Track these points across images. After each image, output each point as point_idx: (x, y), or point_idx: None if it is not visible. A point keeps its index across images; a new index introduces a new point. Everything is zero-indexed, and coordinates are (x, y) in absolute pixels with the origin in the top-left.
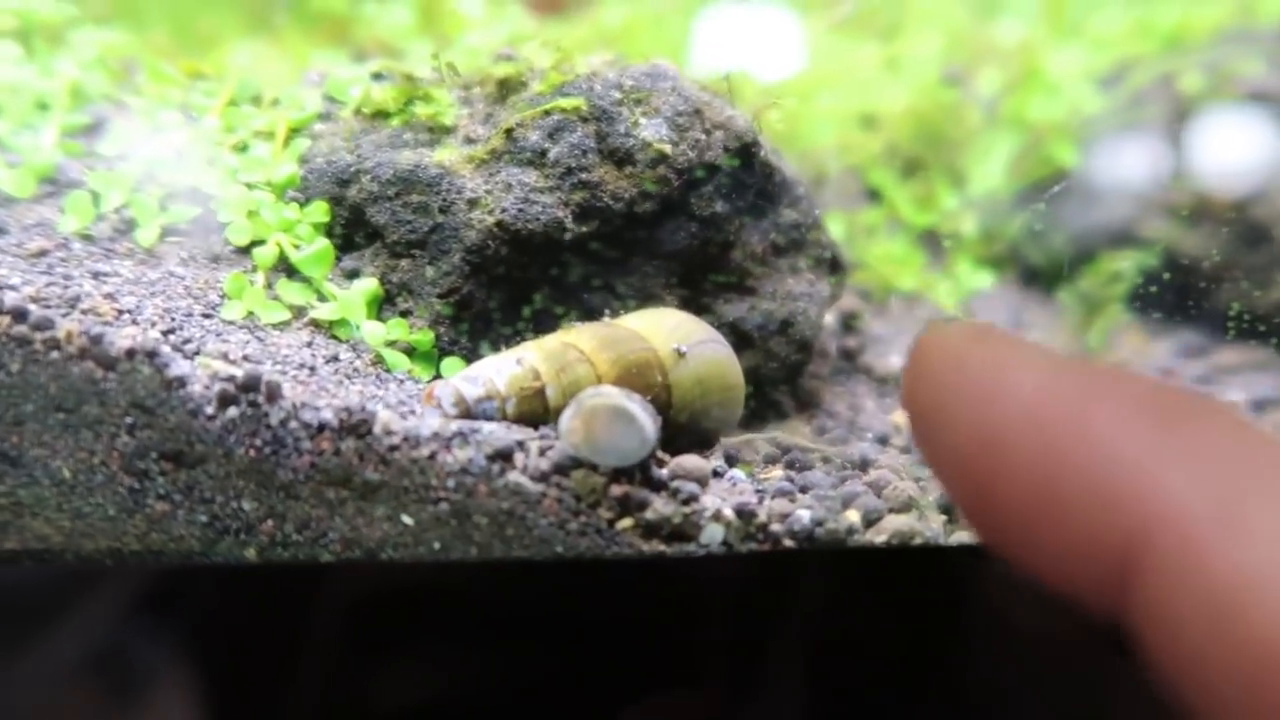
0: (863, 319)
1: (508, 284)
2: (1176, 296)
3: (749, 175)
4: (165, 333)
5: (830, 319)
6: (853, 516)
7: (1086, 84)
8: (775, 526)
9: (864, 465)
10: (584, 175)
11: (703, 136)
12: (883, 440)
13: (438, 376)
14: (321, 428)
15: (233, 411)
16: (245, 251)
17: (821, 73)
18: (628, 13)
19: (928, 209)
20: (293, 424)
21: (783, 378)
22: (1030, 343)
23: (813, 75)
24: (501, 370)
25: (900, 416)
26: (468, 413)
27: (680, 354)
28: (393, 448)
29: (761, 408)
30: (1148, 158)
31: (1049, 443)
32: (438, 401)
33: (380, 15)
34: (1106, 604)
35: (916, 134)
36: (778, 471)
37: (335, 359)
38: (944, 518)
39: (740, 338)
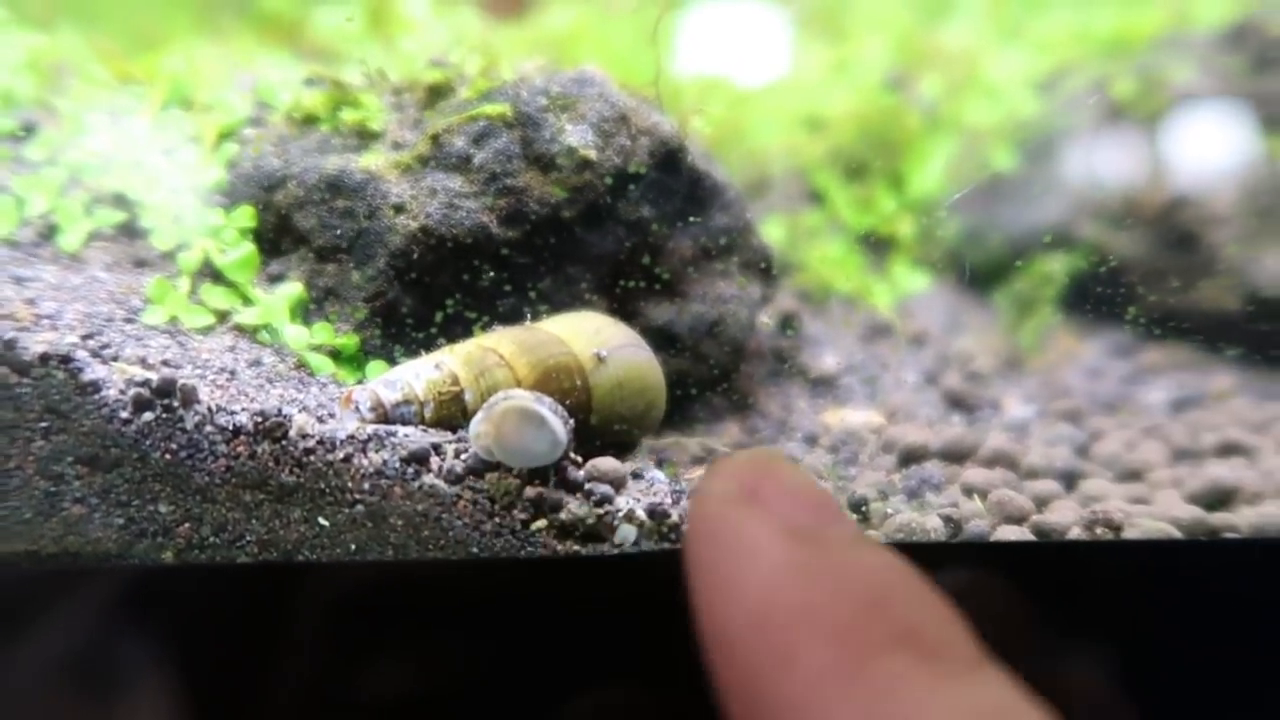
0: (800, 320)
1: (433, 288)
2: (1106, 298)
3: (676, 180)
4: (84, 338)
5: (767, 321)
6: None
7: (1025, 88)
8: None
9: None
10: (509, 181)
11: (628, 142)
12: (811, 440)
13: (362, 380)
14: (237, 431)
15: (148, 416)
16: (169, 256)
17: (770, 76)
18: (573, 17)
19: (867, 211)
20: (208, 428)
21: (715, 380)
22: (771, 521)
23: (761, 79)
24: (420, 375)
25: (832, 417)
26: (385, 417)
27: (600, 359)
28: (308, 451)
29: (694, 409)
30: (1081, 161)
31: (753, 672)
32: (355, 406)
33: (327, 18)
34: None
35: (860, 137)
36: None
37: (258, 363)
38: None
39: (670, 341)
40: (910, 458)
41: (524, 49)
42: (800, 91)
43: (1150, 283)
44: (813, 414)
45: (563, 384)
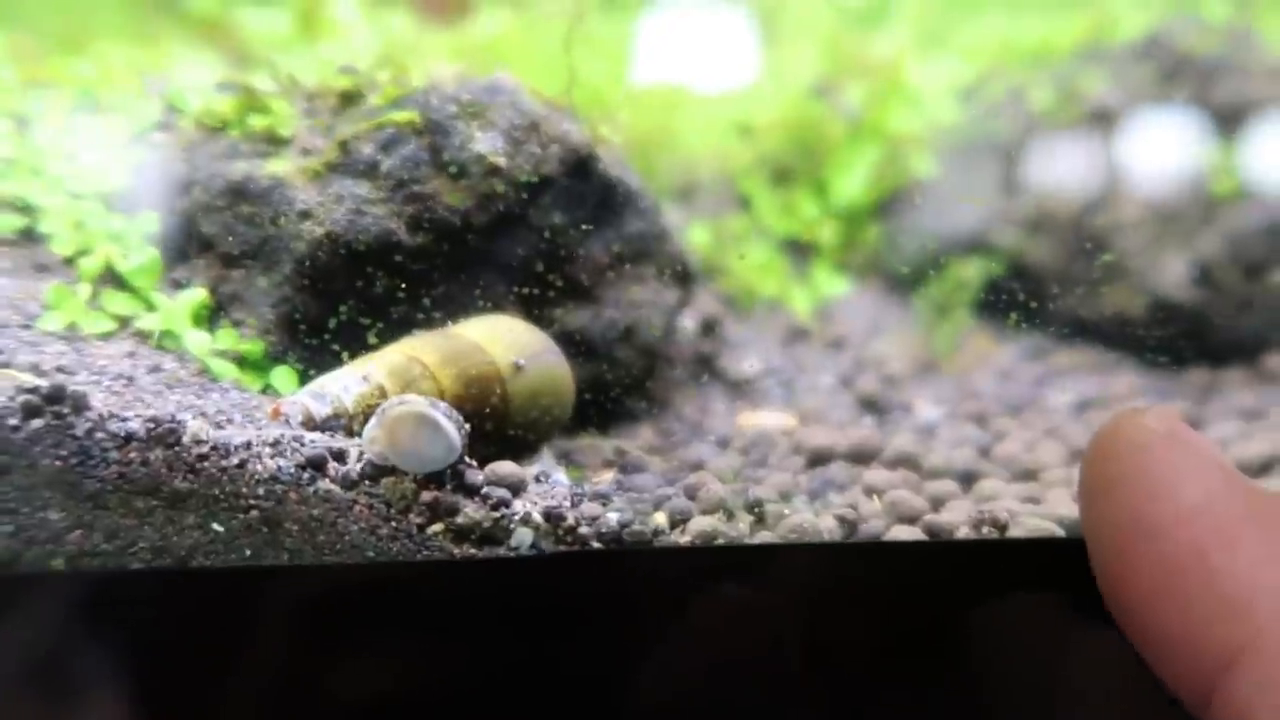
0: (721, 325)
1: (339, 295)
2: (1021, 302)
3: (587, 187)
4: None
5: (689, 325)
6: (660, 519)
7: (946, 96)
8: (584, 529)
9: (698, 467)
10: (417, 187)
11: (538, 150)
12: (724, 443)
13: (268, 386)
14: (129, 438)
15: (37, 422)
16: (70, 262)
17: (699, 82)
18: (503, 22)
19: (791, 217)
20: (99, 435)
21: (630, 384)
22: (1205, 450)
23: (690, 85)
24: (349, 388)
25: (746, 419)
26: (315, 430)
27: (519, 367)
28: (202, 457)
29: (609, 413)
30: (997, 169)
31: (1198, 552)
32: (285, 418)
33: (255, 20)
34: (1197, 699)
35: (787, 144)
36: (609, 475)
37: (158, 369)
38: (751, 518)
39: (584, 346)
40: (818, 459)
41: (450, 55)
42: (730, 98)
43: (1061, 287)
44: (728, 417)
45: (484, 394)
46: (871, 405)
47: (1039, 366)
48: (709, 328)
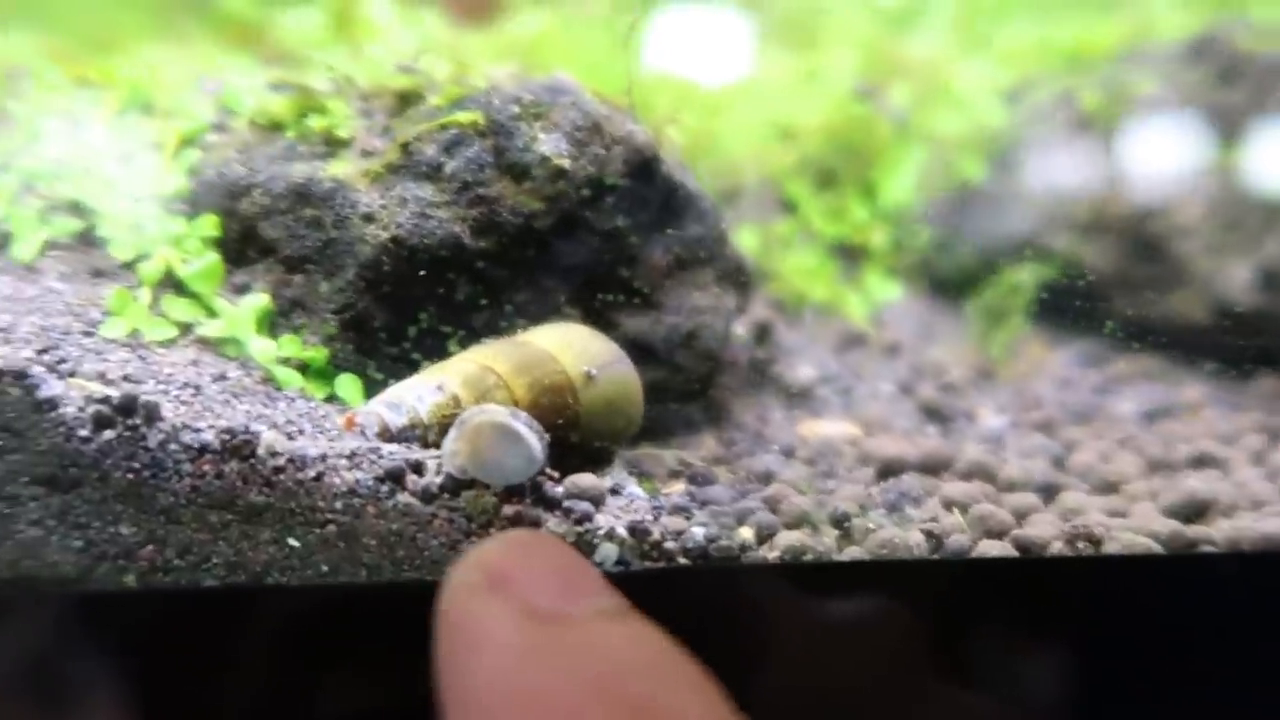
0: (774, 330)
1: (404, 300)
2: (1076, 307)
3: (650, 190)
4: (39, 352)
5: (741, 331)
6: (746, 533)
7: (992, 99)
8: (669, 544)
9: (767, 478)
10: (481, 190)
11: (602, 151)
12: (788, 453)
13: (332, 395)
14: (203, 450)
15: (109, 434)
16: (129, 267)
17: (740, 84)
18: (542, 22)
19: (839, 221)
20: (172, 446)
21: (690, 391)
22: (496, 616)
23: (732, 87)
24: (424, 398)
25: (808, 429)
26: (391, 441)
27: (590, 377)
28: (278, 469)
29: (669, 421)
30: (1049, 171)
31: None
32: (360, 429)
33: (289, 21)
34: None
35: (831, 147)
36: (680, 486)
37: (223, 377)
38: (837, 533)
39: (645, 352)
40: (888, 470)
41: (493, 54)
42: (771, 100)
43: (1118, 292)
44: (789, 425)
45: (556, 405)
46: (933, 413)
47: (1098, 373)
48: (762, 333)
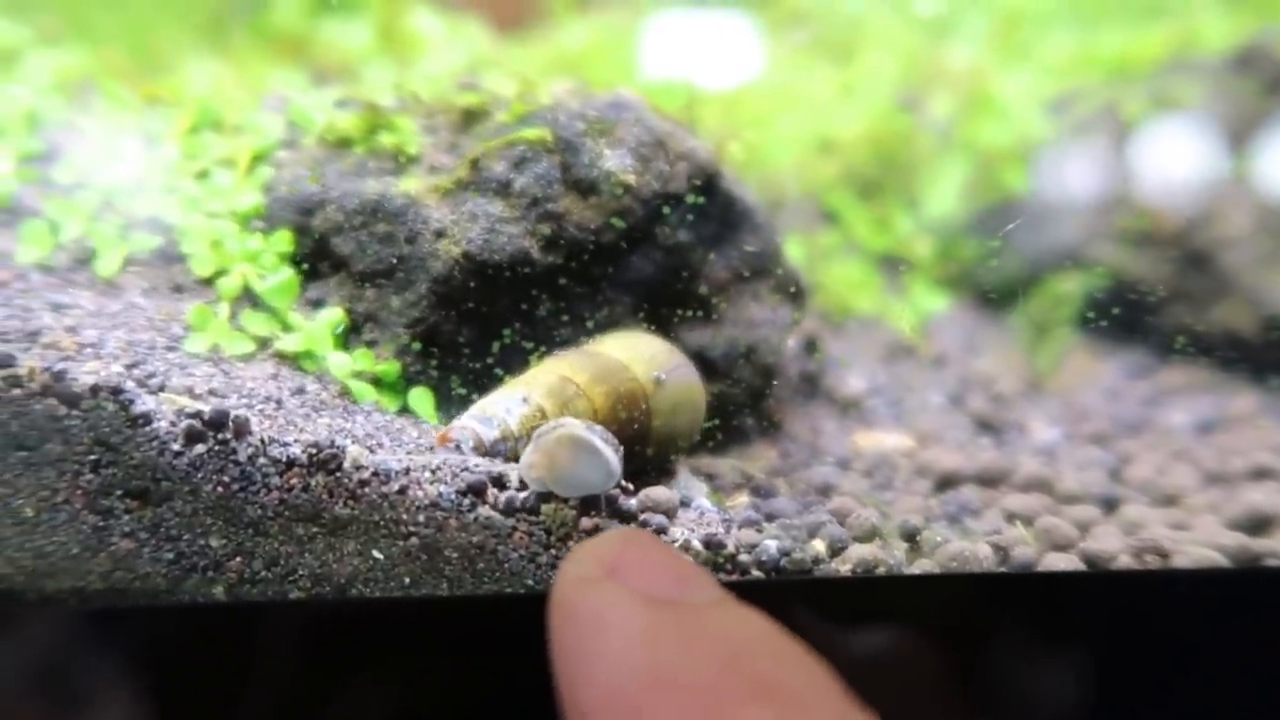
0: (823, 342)
1: (473, 314)
2: (1123, 318)
3: (712, 205)
4: (129, 367)
5: (791, 342)
6: (819, 546)
7: (1034, 109)
8: (743, 557)
9: (826, 490)
10: (550, 206)
11: (666, 167)
12: (844, 464)
13: (405, 407)
14: (290, 463)
15: (200, 448)
16: (208, 282)
17: (780, 96)
18: (588, 35)
19: (884, 232)
20: (261, 460)
21: (746, 403)
22: (621, 605)
23: (772, 99)
24: (511, 410)
25: (863, 440)
26: (485, 455)
27: (659, 382)
28: (363, 483)
29: (726, 433)
30: (1095, 183)
31: None
32: (455, 445)
33: (339, 35)
34: None
35: (872, 158)
36: (743, 498)
37: (301, 391)
38: (906, 545)
39: (705, 365)
40: (946, 483)
41: (545, 68)
42: (811, 111)
43: (1165, 303)
44: (841, 436)
45: (631, 411)
46: (985, 425)
47: (1146, 384)
48: (810, 345)
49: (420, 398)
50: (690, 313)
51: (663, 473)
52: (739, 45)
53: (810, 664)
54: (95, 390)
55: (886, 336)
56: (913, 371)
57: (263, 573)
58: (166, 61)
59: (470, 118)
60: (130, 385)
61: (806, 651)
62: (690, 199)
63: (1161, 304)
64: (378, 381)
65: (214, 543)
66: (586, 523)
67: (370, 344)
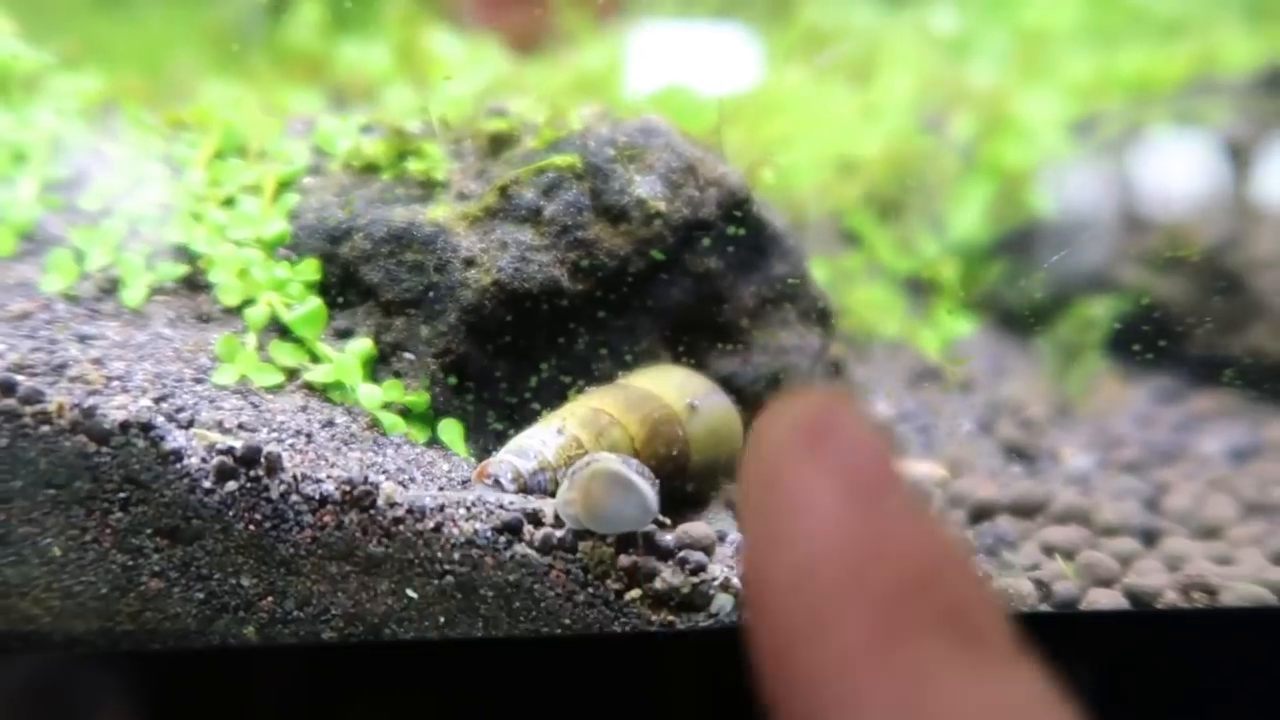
0: (847, 366)
1: (503, 343)
2: (1151, 342)
3: (742, 231)
4: (157, 400)
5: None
6: None
7: (1057, 129)
8: None
9: None
10: (580, 233)
11: (696, 193)
12: None
13: (434, 439)
14: (324, 500)
15: (231, 485)
16: (234, 311)
17: (800, 116)
18: (607, 56)
19: (907, 254)
20: (294, 497)
21: None
22: (835, 463)
23: (791, 119)
24: (547, 442)
25: None
26: (525, 488)
27: (693, 408)
28: (397, 520)
29: None
30: (1121, 204)
31: (791, 634)
32: (494, 479)
33: (356, 56)
34: None
35: (893, 179)
36: None
37: (331, 423)
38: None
39: (733, 393)
40: (981, 513)
41: (567, 89)
42: (831, 131)
43: (1194, 327)
44: None
45: (668, 436)
46: (1017, 452)
47: (1177, 410)
48: (835, 369)
49: (450, 429)
50: (718, 340)
51: (695, 503)
52: (754, 65)
53: (993, 598)
54: (125, 426)
55: (910, 360)
56: (937, 396)
57: (295, 612)
58: (183, 84)
59: (498, 143)
60: (160, 421)
61: (990, 586)
62: (727, 228)
63: (1190, 328)
64: (406, 413)
65: (245, 582)
66: (624, 560)
67: (398, 374)
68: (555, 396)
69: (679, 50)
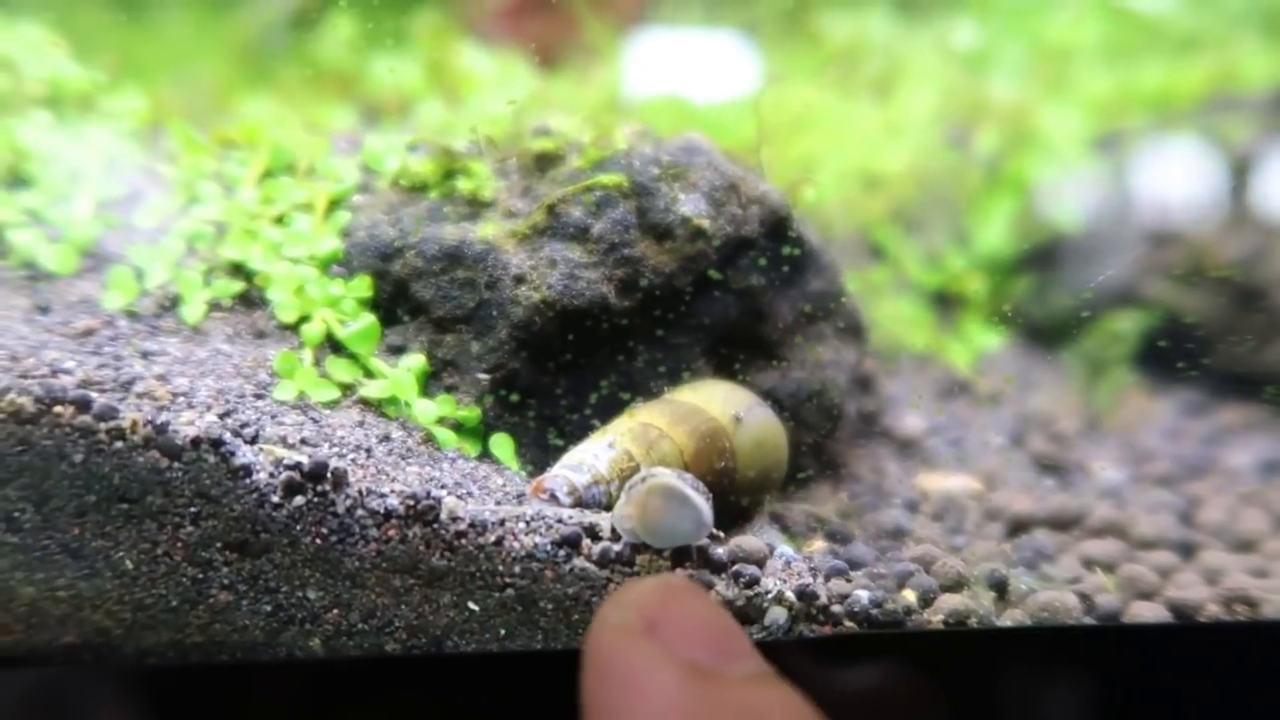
0: (879, 380)
1: (552, 359)
2: (1177, 356)
3: (782, 248)
4: (222, 416)
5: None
6: (909, 596)
7: (1082, 145)
8: (836, 608)
9: (898, 535)
10: (626, 251)
11: (739, 211)
12: (912, 507)
13: (485, 453)
14: (388, 515)
15: (299, 500)
16: (288, 328)
17: (826, 132)
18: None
19: (934, 268)
20: (359, 512)
21: (813, 446)
22: (673, 644)
23: (817, 134)
24: (599, 455)
25: (928, 481)
26: (580, 501)
27: (739, 419)
28: (459, 534)
29: (789, 475)
30: (1145, 219)
31: None
32: (550, 494)
33: (389, 72)
34: None
35: (919, 194)
36: (819, 543)
37: (387, 438)
38: (993, 594)
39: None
40: (1018, 527)
41: (602, 107)
42: (856, 146)
43: (1220, 341)
44: (904, 478)
45: (716, 448)
46: (1048, 466)
47: (1204, 424)
48: (865, 383)
49: (501, 443)
50: (758, 355)
51: (741, 516)
52: (775, 80)
53: None
54: (196, 442)
55: (938, 374)
56: (966, 409)
57: (360, 625)
58: (217, 99)
59: (544, 161)
60: (229, 437)
61: None
62: (769, 246)
63: (1216, 341)
64: (459, 427)
65: (311, 595)
66: (681, 574)
67: (449, 389)
68: (604, 411)
69: (697, 64)
